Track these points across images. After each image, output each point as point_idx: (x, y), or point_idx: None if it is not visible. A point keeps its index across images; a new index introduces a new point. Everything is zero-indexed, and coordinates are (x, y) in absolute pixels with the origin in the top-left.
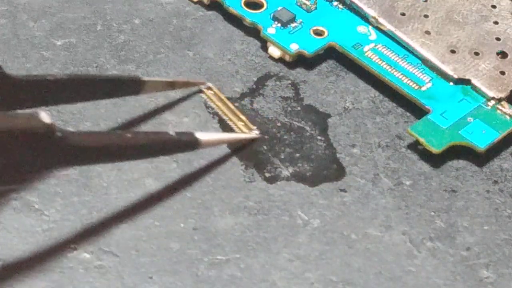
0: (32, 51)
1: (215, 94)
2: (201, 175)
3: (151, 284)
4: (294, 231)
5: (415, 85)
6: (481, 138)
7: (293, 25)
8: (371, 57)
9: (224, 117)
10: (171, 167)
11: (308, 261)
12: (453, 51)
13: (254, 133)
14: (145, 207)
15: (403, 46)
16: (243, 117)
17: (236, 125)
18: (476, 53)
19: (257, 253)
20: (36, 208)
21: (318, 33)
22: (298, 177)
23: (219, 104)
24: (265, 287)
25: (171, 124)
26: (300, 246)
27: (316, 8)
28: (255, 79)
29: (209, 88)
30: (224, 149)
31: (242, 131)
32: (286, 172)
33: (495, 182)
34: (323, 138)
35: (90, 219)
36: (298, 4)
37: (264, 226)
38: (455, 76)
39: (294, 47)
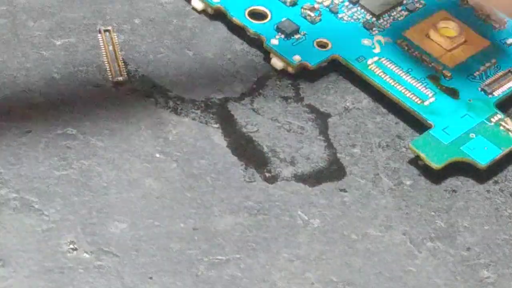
0: (32, 51)
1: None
2: (201, 175)
3: (151, 284)
4: (294, 231)
5: (418, 99)
6: (483, 154)
7: (296, 36)
8: (375, 71)
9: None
10: (171, 167)
11: (308, 261)
12: None
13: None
14: (145, 207)
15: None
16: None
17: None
18: None
19: (257, 253)
20: (36, 208)
21: (322, 45)
22: (298, 177)
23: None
24: (265, 287)
25: (171, 123)
26: (300, 246)
27: (320, 20)
28: (255, 79)
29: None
30: (224, 149)
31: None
32: (286, 172)
33: (495, 182)
34: (323, 138)
35: (90, 219)
36: (303, 15)
37: (264, 226)
38: None
39: (296, 59)
